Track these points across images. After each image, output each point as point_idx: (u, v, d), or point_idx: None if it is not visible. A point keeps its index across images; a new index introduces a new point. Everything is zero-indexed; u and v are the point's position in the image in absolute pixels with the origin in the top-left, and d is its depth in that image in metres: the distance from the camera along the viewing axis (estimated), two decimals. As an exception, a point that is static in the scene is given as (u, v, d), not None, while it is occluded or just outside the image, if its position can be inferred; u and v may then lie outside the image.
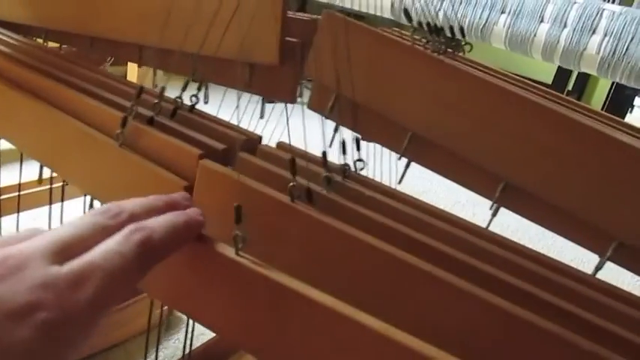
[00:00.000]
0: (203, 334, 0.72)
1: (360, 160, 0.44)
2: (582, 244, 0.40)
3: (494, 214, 0.43)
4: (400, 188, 0.42)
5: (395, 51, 0.43)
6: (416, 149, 0.44)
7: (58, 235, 0.26)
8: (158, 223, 0.29)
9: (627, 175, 0.37)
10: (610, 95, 2.37)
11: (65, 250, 0.25)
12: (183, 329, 0.87)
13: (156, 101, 0.47)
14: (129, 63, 1.75)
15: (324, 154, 0.39)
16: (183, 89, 0.48)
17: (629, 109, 1.99)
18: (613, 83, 2.37)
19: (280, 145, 0.47)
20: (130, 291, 0.27)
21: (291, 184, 0.37)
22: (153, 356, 0.79)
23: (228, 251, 0.34)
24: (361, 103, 0.45)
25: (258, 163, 0.42)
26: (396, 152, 0.44)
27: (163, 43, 0.52)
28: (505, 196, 0.41)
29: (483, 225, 0.40)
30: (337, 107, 0.45)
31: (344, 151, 0.41)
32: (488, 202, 0.42)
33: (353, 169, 0.43)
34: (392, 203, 0.39)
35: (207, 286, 0.35)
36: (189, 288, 0.36)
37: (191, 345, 0.59)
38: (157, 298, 0.39)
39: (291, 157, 0.39)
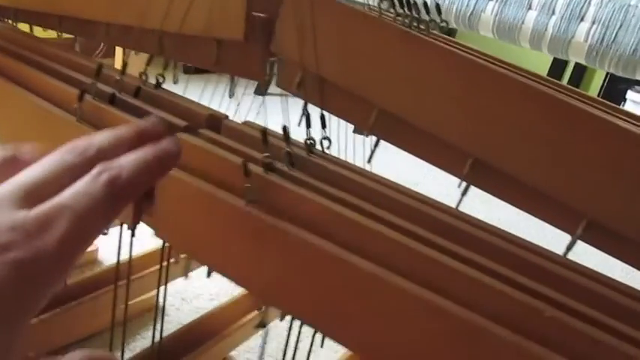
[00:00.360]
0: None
1: (326, 138, 0.42)
2: (553, 223, 0.38)
3: (463, 193, 0.41)
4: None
5: (362, 24, 0.41)
6: (384, 126, 0.42)
7: (25, 178, 0.25)
8: (127, 160, 0.28)
9: (597, 150, 0.35)
10: (603, 89, 2.36)
11: (33, 194, 0.25)
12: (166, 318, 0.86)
13: (117, 78, 0.46)
14: (116, 53, 1.74)
15: (285, 128, 0.38)
16: (147, 64, 0.47)
17: (622, 102, 1.98)
18: (606, 77, 2.36)
19: (246, 123, 0.46)
20: (101, 230, 0.27)
21: (265, 154, 0.37)
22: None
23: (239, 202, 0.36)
24: (328, 79, 0.43)
25: (218, 139, 0.40)
26: (364, 129, 0.43)
27: (129, 19, 0.51)
28: (474, 174, 0.40)
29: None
30: (304, 84, 0.44)
31: (308, 125, 0.40)
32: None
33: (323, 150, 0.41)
34: (356, 178, 0.38)
35: (218, 234, 0.38)
36: (202, 236, 0.39)
37: (161, 332, 0.57)
38: (173, 245, 0.43)
39: (262, 130, 0.39)
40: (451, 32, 2.11)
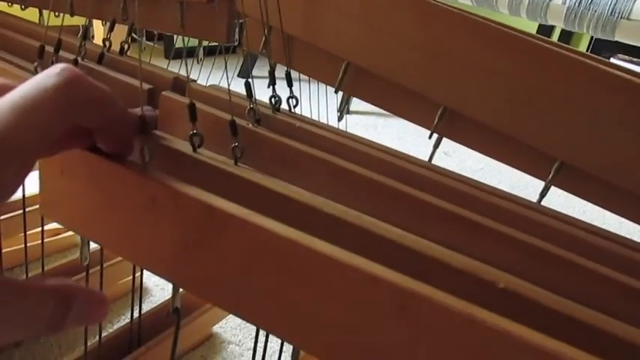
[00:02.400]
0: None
1: (292, 96, 0.41)
2: (526, 171, 0.38)
3: (435, 146, 0.41)
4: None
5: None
6: (352, 81, 0.41)
7: None
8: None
9: (568, 91, 0.34)
10: (587, 58, 2.35)
11: None
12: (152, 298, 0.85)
13: (79, 45, 0.44)
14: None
15: (247, 84, 0.37)
16: (110, 29, 0.46)
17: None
18: (589, 46, 2.35)
19: (212, 86, 0.45)
20: (56, 129, 0.25)
21: (231, 117, 0.35)
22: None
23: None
24: (294, 35, 0.42)
25: (179, 100, 0.39)
26: (332, 86, 0.42)
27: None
28: (445, 124, 0.39)
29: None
30: (269, 42, 0.42)
31: (273, 82, 0.39)
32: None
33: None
34: (321, 133, 0.37)
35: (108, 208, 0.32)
36: (91, 213, 0.33)
37: (140, 308, 0.57)
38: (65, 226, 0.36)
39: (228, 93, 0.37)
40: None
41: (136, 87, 0.41)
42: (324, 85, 0.44)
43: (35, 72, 0.40)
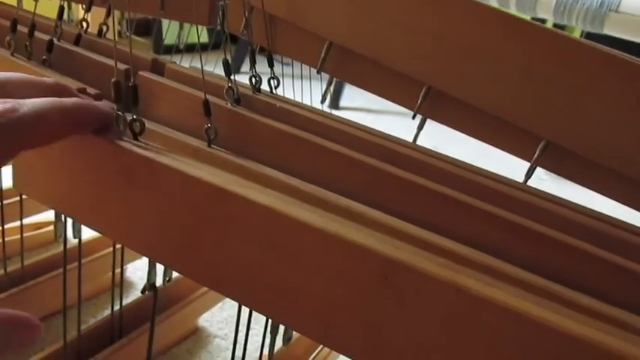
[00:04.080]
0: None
1: (274, 77, 0.40)
2: (511, 151, 0.37)
3: (420, 127, 0.40)
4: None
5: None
6: (335, 62, 0.40)
7: None
8: (34, 100, 0.26)
9: (554, 69, 0.34)
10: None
11: None
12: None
13: (55, 25, 0.43)
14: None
15: (226, 62, 0.36)
16: (87, 10, 0.44)
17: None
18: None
19: (192, 67, 0.44)
20: None
21: (204, 96, 0.34)
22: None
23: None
24: (276, 15, 0.41)
25: (156, 80, 0.38)
26: (314, 67, 0.41)
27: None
28: (429, 105, 0.38)
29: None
30: (250, 23, 0.42)
31: (253, 62, 0.38)
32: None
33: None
34: (302, 112, 0.36)
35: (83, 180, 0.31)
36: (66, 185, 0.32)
37: (121, 300, 0.56)
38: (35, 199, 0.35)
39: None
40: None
41: (112, 67, 0.40)
42: (311, 80, 0.43)
43: (8, 46, 0.39)
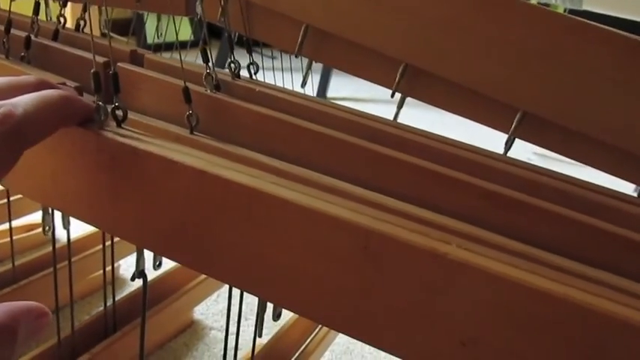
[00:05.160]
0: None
1: (252, 63, 0.41)
2: (489, 124, 0.38)
3: (399, 106, 0.40)
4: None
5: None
6: (312, 44, 0.41)
7: None
8: (22, 98, 0.26)
9: (528, 39, 0.34)
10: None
11: None
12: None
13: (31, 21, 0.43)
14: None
15: (204, 49, 0.36)
16: (64, 5, 0.44)
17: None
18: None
19: (172, 58, 0.44)
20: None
21: (184, 83, 0.34)
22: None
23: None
24: (251, 1, 0.42)
25: (135, 70, 0.38)
26: (291, 53, 0.41)
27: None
28: (407, 82, 0.38)
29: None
30: (226, 11, 0.42)
31: (231, 48, 0.38)
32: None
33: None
34: (282, 96, 0.36)
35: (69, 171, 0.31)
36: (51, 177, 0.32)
37: (113, 295, 0.56)
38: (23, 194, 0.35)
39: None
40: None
41: (91, 60, 0.40)
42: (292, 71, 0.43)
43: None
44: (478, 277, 0.21)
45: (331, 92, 2.03)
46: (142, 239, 0.31)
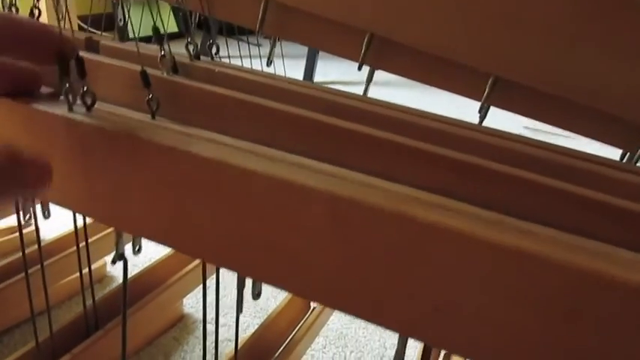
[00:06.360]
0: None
1: (213, 43, 0.39)
2: (461, 92, 0.36)
3: (368, 80, 0.38)
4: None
5: None
6: (275, 21, 0.39)
7: None
8: None
9: (496, 3, 0.32)
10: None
11: None
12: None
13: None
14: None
15: (156, 29, 0.34)
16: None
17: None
18: None
19: (127, 44, 0.42)
20: None
21: (142, 67, 0.33)
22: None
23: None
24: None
25: (91, 58, 0.36)
26: (253, 28, 0.39)
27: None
28: (375, 54, 0.37)
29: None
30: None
31: (187, 30, 0.36)
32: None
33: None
34: (242, 75, 0.34)
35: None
36: None
37: (93, 293, 0.54)
38: None
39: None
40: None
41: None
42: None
43: None
44: (448, 239, 0.20)
45: (318, 77, 2.00)
46: (116, 220, 0.30)
